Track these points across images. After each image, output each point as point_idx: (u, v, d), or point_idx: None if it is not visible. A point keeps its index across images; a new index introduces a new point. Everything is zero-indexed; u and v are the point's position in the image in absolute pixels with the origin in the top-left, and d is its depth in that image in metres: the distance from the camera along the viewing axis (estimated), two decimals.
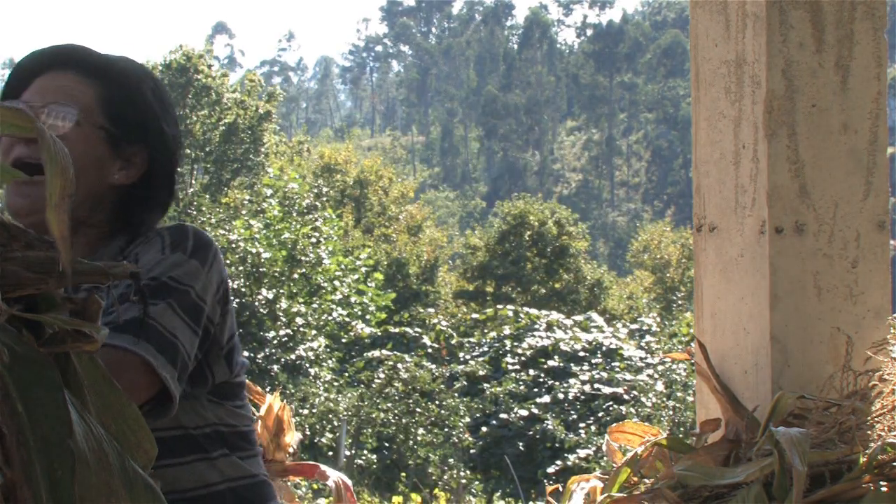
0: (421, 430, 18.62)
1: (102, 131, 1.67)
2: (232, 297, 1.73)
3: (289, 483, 5.17)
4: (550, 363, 20.98)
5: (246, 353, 18.51)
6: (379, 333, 23.05)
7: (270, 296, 20.42)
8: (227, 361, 1.71)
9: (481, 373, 21.29)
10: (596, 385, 20.08)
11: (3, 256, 0.85)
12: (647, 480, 2.60)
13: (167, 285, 1.58)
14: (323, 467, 5.14)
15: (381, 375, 19.62)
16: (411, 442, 18.52)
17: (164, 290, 1.58)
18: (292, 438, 5.05)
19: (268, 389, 6.54)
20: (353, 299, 22.59)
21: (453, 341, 23.71)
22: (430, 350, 22.52)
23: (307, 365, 20.25)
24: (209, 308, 1.63)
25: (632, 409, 18.29)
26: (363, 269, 23.42)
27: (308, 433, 17.57)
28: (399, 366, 19.68)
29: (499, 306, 25.73)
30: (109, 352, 1.49)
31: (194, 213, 23.80)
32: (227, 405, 1.73)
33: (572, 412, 19.51)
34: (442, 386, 19.86)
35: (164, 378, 1.52)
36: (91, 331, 0.89)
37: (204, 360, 1.67)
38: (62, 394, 0.83)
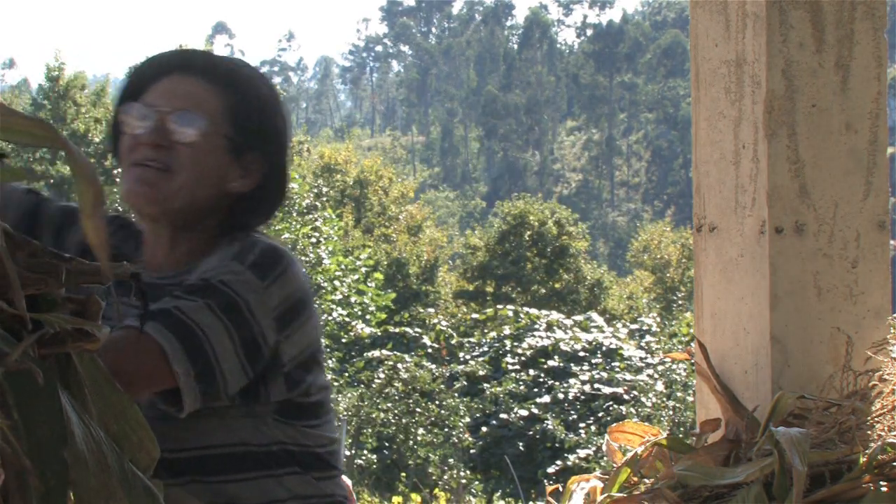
0: (421, 430, 18.62)
1: (226, 140, 1.65)
2: (308, 317, 1.66)
3: None
4: (550, 363, 20.97)
5: None
6: (379, 333, 23.03)
7: None
8: (288, 380, 1.64)
9: (481, 373, 21.28)
10: (596, 385, 20.07)
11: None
12: (647, 480, 2.60)
13: (213, 287, 1.54)
14: None
15: (381, 375, 19.62)
16: (411, 442, 18.52)
17: (207, 290, 1.54)
18: None
19: None
20: (353, 299, 22.58)
21: (453, 341, 23.70)
22: (430, 350, 22.50)
23: None
24: (261, 325, 1.57)
25: (632, 409, 18.28)
26: (363, 269, 23.41)
27: None
28: (399, 366, 19.68)
29: (499, 306, 25.71)
30: (126, 332, 1.46)
31: None
32: (297, 425, 1.67)
33: (572, 412, 19.50)
34: (442, 386, 19.85)
35: (176, 373, 1.47)
36: (92, 329, 0.89)
37: (258, 376, 1.60)
38: (59, 402, 0.82)
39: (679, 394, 17.79)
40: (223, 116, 1.65)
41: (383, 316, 23.93)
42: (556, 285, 32.10)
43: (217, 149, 1.64)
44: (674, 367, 18.88)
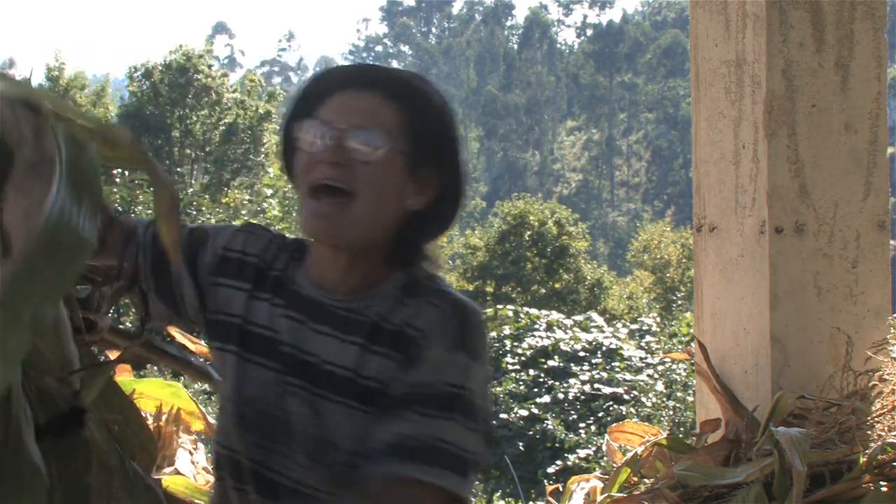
0: None
1: (403, 156, 1.61)
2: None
3: None
4: (550, 363, 20.97)
5: None
6: None
7: None
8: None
9: None
10: (596, 385, 20.06)
11: None
12: (647, 480, 2.61)
13: (457, 397, 1.55)
14: None
15: None
16: None
17: (453, 401, 1.54)
18: None
19: None
20: None
21: None
22: None
23: None
24: (488, 401, 1.62)
25: (632, 409, 18.28)
26: None
27: None
28: None
29: (499, 306, 25.68)
30: (411, 486, 1.48)
31: (194, 213, 23.79)
32: None
33: (572, 412, 19.49)
34: None
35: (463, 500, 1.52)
36: (95, 319, 0.92)
37: None
38: (88, 474, 0.85)
39: (679, 394, 17.77)
40: (400, 131, 1.62)
41: None
42: (556, 285, 32.08)
43: (395, 165, 1.61)
44: (674, 367, 18.87)
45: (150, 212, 21.71)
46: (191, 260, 1.75)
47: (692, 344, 3.01)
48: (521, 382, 20.63)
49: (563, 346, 21.39)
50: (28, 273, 0.76)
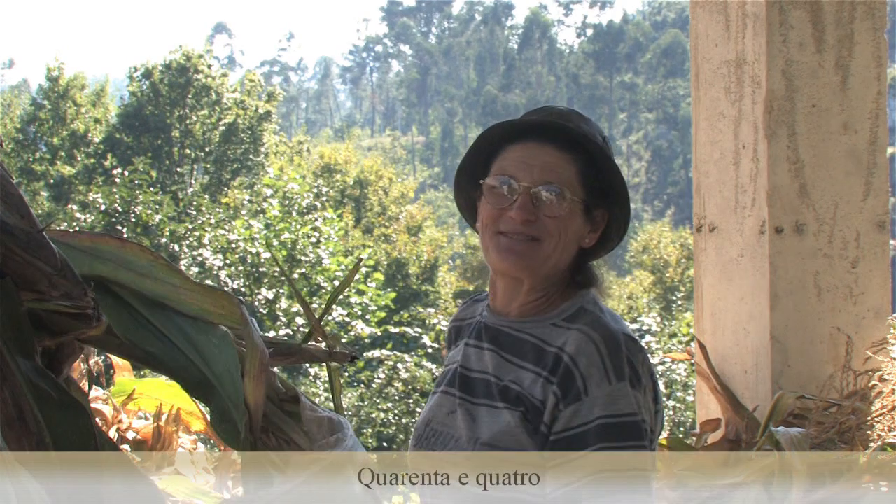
0: None
1: (582, 204, 1.77)
2: (661, 390, 1.78)
3: None
4: None
5: None
6: (379, 333, 23.02)
7: (270, 296, 20.43)
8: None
9: None
10: None
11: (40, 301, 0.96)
12: None
13: (616, 427, 1.63)
14: None
15: (381, 375, 19.60)
16: None
17: (611, 431, 1.63)
18: None
19: None
20: (353, 299, 22.58)
21: None
22: (430, 350, 22.49)
23: (307, 365, 20.24)
24: (650, 422, 1.69)
25: None
26: (363, 269, 23.40)
27: None
28: (399, 366, 19.66)
29: None
30: None
31: (194, 213, 23.79)
32: None
33: None
34: None
35: None
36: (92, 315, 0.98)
37: None
38: (92, 436, 0.89)
39: (679, 394, 17.78)
40: (578, 182, 1.76)
41: (383, 315, 23.93)
42: None
43: (576, 214, 1.77)
44: (674, 367, 18.87)
45: (148, 212, 21.72)
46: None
47: (692, 344, 3.01)
48: None
49: None
50: None
